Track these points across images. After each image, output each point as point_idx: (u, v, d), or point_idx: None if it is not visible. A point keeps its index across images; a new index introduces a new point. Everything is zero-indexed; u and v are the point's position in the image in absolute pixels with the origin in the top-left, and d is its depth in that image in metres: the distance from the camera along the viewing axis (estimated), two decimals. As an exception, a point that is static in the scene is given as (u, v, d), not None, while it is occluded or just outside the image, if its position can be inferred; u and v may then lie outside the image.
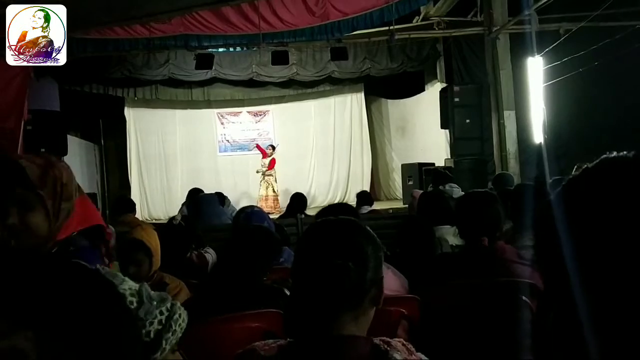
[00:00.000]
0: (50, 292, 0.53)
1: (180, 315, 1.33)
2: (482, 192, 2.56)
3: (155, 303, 1.29)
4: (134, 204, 6.21)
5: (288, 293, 2.27)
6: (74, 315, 0.53)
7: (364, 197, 6.81)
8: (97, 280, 0.58)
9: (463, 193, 5.36)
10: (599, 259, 0.53)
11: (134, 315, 1.09)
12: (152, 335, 1.26)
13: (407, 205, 9.06)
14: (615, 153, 0.60)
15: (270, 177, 11.14)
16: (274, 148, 11.39)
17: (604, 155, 0.60)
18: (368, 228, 1.20)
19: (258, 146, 11.56)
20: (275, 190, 11.11)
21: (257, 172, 11.27)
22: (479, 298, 2.12)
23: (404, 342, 1.13)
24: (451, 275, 2.27)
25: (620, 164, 0.58)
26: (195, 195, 7.08)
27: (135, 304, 1.26)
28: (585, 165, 0.60)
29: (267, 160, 11.20)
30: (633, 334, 0.52)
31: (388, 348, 1.08)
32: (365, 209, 6.31)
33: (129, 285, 1.30)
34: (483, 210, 2.28)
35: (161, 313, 1.29)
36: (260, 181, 11.17)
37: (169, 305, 1.33)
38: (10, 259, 0.55)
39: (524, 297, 2.01)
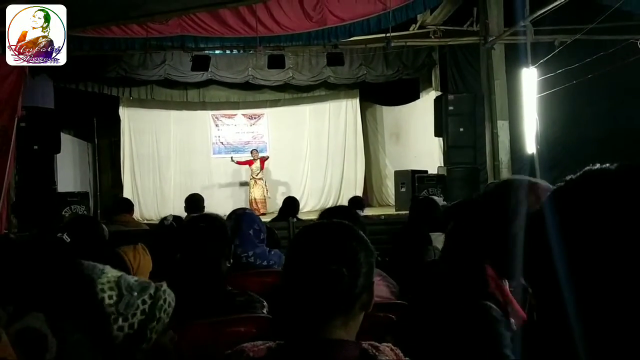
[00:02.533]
0: (49, 281, 0.59)
1: (165, 301, 1.30)
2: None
3: (135, 294, 1.26)
4: (132, 205, 6.16)
5: (265, 304, 2.22)
6: (61, 297, 0.59)
7: (356, 203, 6.82)
8: (77, 273, 0.66)
9: (445, 203, 5.39)
10: (582, 269, 0.55)
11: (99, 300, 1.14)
12: (135, 326, 1.23)
13: (399, 212, 9.08)
14: (598, 165, 0.61)
15: (261, 181, 11.22)
16: (257, 152, 11.45)
17: (587, 167, 0.61)
18: (361, 232, 1.20)
19: (245, 162, 11.47)
20: (266, 193, 11.21)
21: (252, 179, 11.28)
22: (467, 306, 2.13)
23: (392, 347, 1.14)
24: (441, 282, 2.28)
25: (602, 175, 0.59)
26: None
27: (115, 298, 1.22)
28: (570, 177, 0.61)
29: (257, 164, 11.24)
30: (620, 337, 0.53)
31: (376, 353, 1.09)
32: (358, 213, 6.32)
33: (107, 279, 1.25)
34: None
35: (144, 302, 1.25)
36: (252, 184, 11.23)
37: (152, 291, 1.28)
38: (14, 253, 0.62)
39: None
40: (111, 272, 1.27)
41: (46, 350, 0.57)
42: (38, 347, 0.57)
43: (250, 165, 11.24)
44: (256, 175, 11.18)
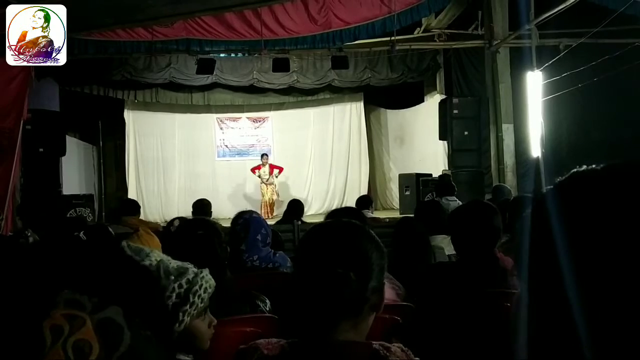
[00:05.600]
0: (126, 277, 0.71)
1: (201, 287, 1.37)
2: (484, 203, 2.56)
3: (172, 277, 1.33)
4: (138, 207, 6.14)
5: (265, 302, 2.20)
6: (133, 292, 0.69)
7: (364, 202, 6.69)
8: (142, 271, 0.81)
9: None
10: (581, 270, 0.55)
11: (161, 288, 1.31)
12: (169, 308, 1.32)
13: (403, 215, 9.06)
14: (584, 167, 0.62)
15: (272, 185, 11.25)
16: (267, 156, 11.44)
17: (574, 170, 0.62)
18: (372, 232, 1.17)
19: (254, 170, 11.49)
20: (273, 197, 11.23)
21: (262, 182, 11.31)
22: (474, 308, 2.13)
23: (403, 348, 1.12)
24: (448, 284, 2.27)
25: (587, 177, 0.60)
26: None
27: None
28: (558, 179, 0.62)
29: (266, 169, 11.26)
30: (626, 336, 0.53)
31: (387, 353, 1.07)
32: (366, 214, 6.20)
33: (149, 262, 1.34)
34: (484, 222, 2.27)
35: (180, 286, 1.33)
36: (263, 188, 11.26)
37: (190, 277, 1.36)
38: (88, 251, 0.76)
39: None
40: (154, 256, 1.34)
41: (122, 341, 0.67)
42: (115, 337, 0.67)
43: (258, 169, 11.27)
44: (266, 180, 11.21)
